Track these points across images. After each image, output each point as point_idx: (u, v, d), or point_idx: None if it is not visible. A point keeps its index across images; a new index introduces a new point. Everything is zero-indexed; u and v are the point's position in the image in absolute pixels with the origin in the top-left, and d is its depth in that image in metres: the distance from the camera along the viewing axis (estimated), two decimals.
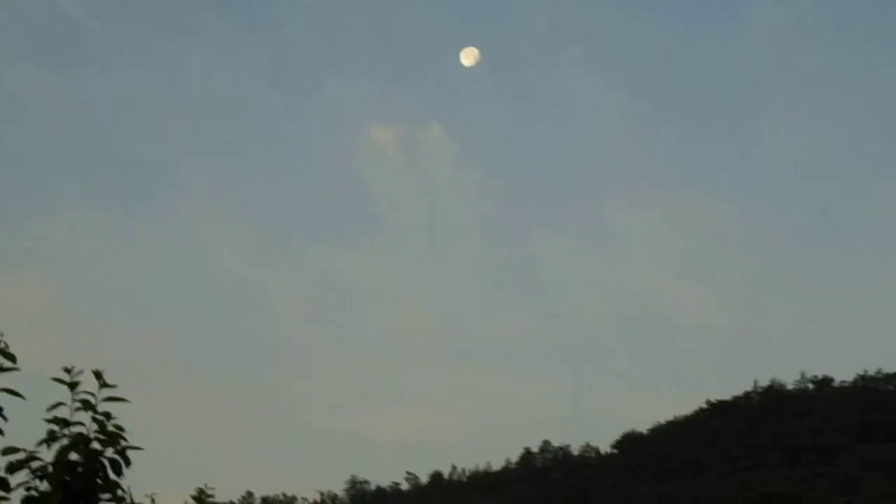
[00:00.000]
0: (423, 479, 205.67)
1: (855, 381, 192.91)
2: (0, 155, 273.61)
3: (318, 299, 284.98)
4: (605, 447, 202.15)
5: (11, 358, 6.98)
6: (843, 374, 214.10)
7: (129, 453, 7.13)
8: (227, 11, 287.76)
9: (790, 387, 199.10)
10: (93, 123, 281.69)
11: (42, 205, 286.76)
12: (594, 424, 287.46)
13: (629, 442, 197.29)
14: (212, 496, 8.44)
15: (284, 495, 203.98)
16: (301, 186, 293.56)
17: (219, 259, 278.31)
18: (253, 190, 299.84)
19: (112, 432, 7.09)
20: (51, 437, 7.02)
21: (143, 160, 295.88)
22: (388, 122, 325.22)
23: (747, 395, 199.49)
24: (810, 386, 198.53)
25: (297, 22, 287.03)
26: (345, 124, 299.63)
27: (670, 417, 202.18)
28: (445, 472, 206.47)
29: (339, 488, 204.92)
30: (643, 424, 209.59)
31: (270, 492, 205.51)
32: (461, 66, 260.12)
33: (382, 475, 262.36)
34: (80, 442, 7.01)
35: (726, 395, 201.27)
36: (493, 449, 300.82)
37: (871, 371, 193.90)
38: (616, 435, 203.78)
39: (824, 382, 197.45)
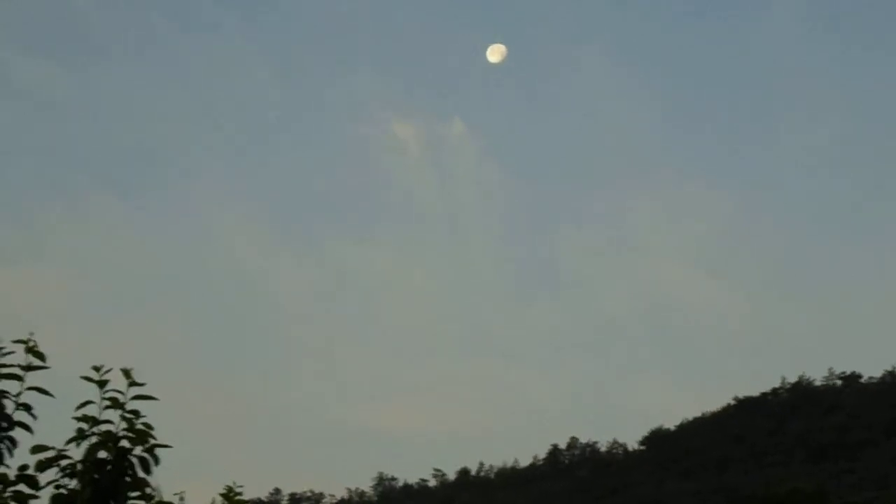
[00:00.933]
0: (451, 475, 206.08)
1: (883, 377, 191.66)
2: (14, 148, 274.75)
3: (339, 295, 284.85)
4: (632, 444, 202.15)
5: (41, 356, 7.02)
6: (872, 370, 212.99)
7: (158, 451, 7.17)
8: (244, 1, 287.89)
9: (818, 383, 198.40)
10: (105, 116, 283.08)
11: (55, 198, 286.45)
12: (621, 421, 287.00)
13: (657, 438, 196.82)
14: (240, 493, 8.45)
15: (312, 492, 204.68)
16: (319, 180, 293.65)
17: (236, 253, 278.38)
18: (270, 184, 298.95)
19: (141, 430, 7.13)
20: (80, 436, 7.06)
21: (157, 153, 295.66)
22: (411, 116, 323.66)
23: (775, 392, 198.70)
24: (838, 382, 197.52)
25: (319, 13, 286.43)
26: (366, 118, 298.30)
27: (698, 414, 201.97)
28: (473, 469, 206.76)
29: (366, 485, 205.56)
30: (671, 421, 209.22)
31: (298, 489, 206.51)
32: (487, 62, 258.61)
33: (410, 472, 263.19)
34: (108, 440, 7.05)
35: (754, 392, 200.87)
36: (520, 445, 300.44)
37: None
38: (644, 431, 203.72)
39: (852, 378, 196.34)
